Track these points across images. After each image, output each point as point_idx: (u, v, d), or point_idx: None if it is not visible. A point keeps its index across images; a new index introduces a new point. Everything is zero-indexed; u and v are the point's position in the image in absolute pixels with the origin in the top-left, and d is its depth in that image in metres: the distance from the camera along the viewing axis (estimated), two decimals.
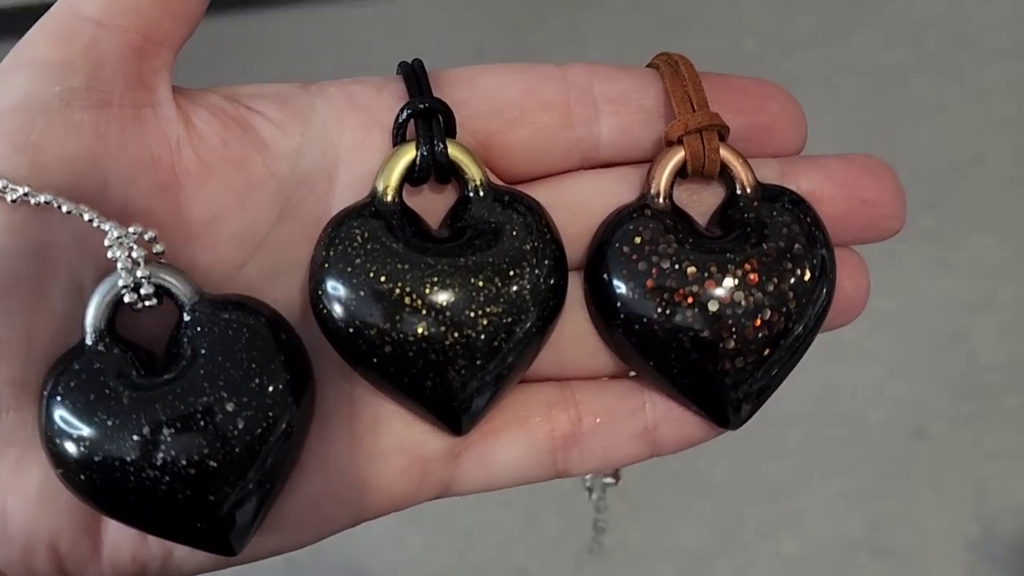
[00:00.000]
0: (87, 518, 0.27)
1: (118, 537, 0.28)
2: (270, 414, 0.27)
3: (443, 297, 0.27)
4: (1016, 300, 0.80)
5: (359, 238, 0.27)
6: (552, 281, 0.28)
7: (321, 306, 0.27)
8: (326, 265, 0.27)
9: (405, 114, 0.28)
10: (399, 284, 0.27)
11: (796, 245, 0.28)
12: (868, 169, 0.30)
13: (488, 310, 0.27)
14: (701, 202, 0.30)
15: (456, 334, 0.27)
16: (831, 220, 0.30)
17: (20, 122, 0.26)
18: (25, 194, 0.26)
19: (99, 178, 0.27)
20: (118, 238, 0.27)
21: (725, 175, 0.30)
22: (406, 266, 0.27)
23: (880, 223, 0.30)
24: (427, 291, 0.27)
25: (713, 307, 0.28)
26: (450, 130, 0.28)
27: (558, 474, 0.30)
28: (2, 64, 0.27)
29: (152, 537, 0.28)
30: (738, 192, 0.29)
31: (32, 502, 0.27)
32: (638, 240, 0.28)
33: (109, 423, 0.26)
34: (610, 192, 0.30)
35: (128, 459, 0.26)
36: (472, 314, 0.27)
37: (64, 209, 0.26)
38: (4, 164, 0.26)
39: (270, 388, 0.27)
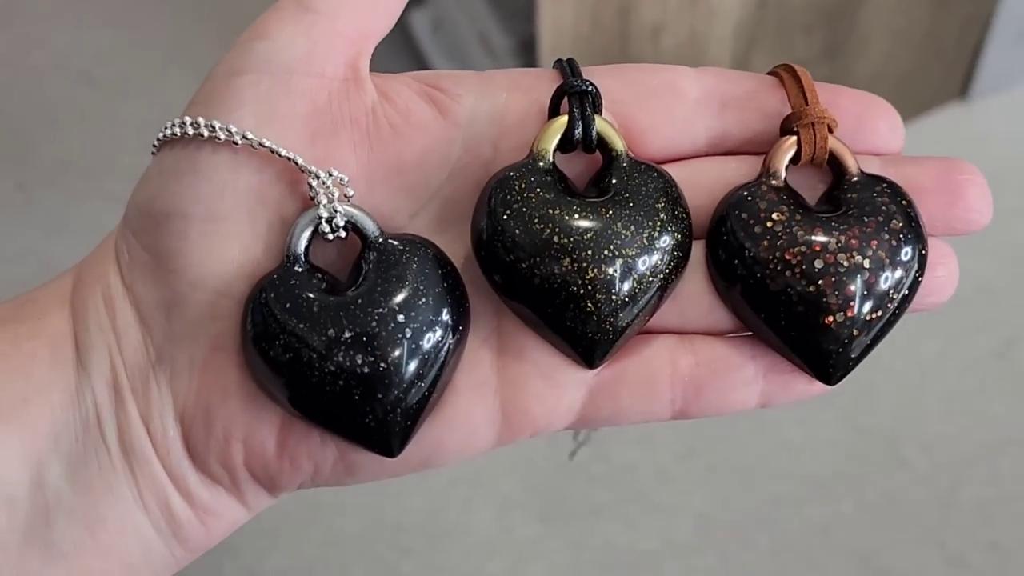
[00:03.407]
0: (276, 419, 0.32)
1: (299, 439, 0.33)
2: (434, 329, 0.31)
3: (586, 238, 0.31)
4: None
5: (517, 187, 0.32)
6: (679, 237, 0.32)
7: (482, 244, 0.32)
8: (488, 209, 0.32)
9: (562, 91, 0.33)
10: (549, 225, 0.32)
11: (894, 221, 0.32)
12: (961, 169, 0.34)
13: (624, 252, 0.31)
14: (811, 188, 0.35)
15: (595, 271, 0.31)
16: (925, 211, 0.34)
17: (250, 82, 0.33)
18: (248, 139, 0.32)
19: (309, 131, 0.33)
20: (320, 180, 0.32)
21: (832, 164, 0.34)
22: (556, 211, 0.32)
23: (969, 216, 0.34)
24: (573, 233, 0.31)
25: (818, 265, 0.32)
26: (597, 108, 0.33)
27: (675, 415, 0.34)
28: (240, 38, 0.33)
29: (328, 444, 0.32)
30: (844, 177, 0.34)
31: (231, 401, 0.32)
32: (755, 208, 0.33)
33: (300, 327, 0.31)
34: (731, 174, 0.34)
35: (313, 357, 0.31)
36: (610, 254, 0.31)
37: (282, 154, 0.32)
38: (235, 115, 0.32)
39: (434, 308, 0.32)
